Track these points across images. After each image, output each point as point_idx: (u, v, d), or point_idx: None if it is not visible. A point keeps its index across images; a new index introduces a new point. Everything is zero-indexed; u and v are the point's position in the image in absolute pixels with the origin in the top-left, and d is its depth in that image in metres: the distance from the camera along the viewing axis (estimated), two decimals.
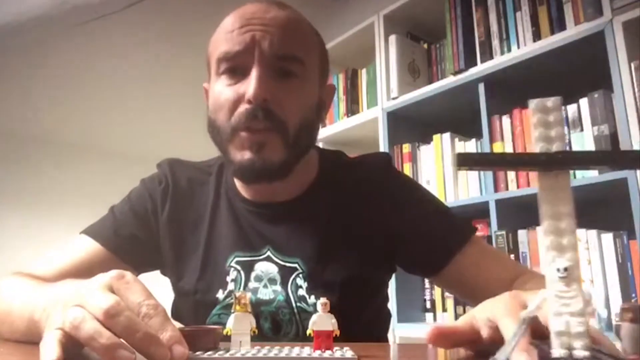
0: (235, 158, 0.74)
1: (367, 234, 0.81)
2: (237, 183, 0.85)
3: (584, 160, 0.30)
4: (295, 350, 0.47)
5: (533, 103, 0.31)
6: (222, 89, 0.75)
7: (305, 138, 0.78)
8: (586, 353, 0.28)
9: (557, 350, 0.28)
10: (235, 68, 0.74)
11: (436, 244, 0.81)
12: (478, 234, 0.83)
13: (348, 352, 0.47)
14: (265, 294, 0.76)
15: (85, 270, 0.76)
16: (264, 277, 0.77)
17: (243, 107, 0.72)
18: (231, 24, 0.75)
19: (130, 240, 0.83)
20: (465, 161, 0.31)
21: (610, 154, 0.29)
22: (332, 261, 0.78)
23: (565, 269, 0.29)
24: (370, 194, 0.83)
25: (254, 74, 0.72)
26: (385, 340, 0.92)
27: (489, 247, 0.89)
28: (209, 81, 0.82)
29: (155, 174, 0.90)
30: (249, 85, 0.71)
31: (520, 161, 0.31)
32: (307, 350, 0.47)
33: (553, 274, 0.29)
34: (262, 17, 0.75)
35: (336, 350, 0.47)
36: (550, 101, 0.31)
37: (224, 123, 0.75)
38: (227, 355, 0.45)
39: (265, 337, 0.74)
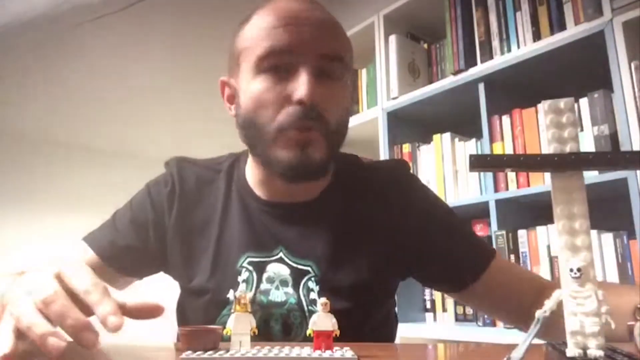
0: (279, 156, 0.73)
1: (382, 240, 0.80)
2: (252, 181, 0.84)
3: (597, 161, 0.30)
4: (296, 350, 0.47)
5: (546, 104, 0.32)
6: (264, 88, 0.73)
7: (341, 139, 0.78)
8: (600, 352, 0.28)
9: (571, 350, 0.28)
10: (280, 66, 0.73)
11: (463, 262, 0.80)
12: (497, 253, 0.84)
13: (348, 352, 0.47)
14: (277, 296, 0.75)
15: None
16: (275, 279, 0.76)
17: (292, 108, 0.71)
18: (274, 20, 0.74)
19: (125, 251, 0.82)
20: (478, 163, 0.31)
21: (624, 154, 0.29)
22: (345, 265, 0.77)
23: (579, 269, 0.29)
24: (388, 199, 0.82)
25: (304, 74, 0.71)
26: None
27: (509, 262, 0.90)
28: (233, 76, 0.80)
29: (161, 177, 0.88)
30: (300, 87, 0.71)
31: (533, 162, 0.31)
32: (307, 350, 0.47)
33: (567, 275, 0.30)
34: (307, 17, 0.74)
35: (336, 350, 0.48)
36: (563, 102, 0.31)
37: (267, 122, 0.73)
38: (227, 355, 0.45)
39: (275, 340, 0.73)
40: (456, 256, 0.81)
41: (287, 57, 0.72)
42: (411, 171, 0.91)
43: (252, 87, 0.74)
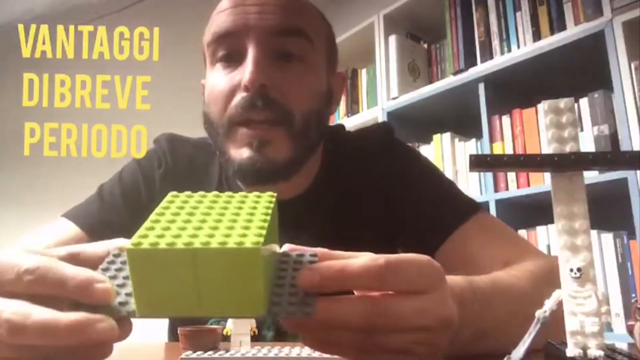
0: (233, 157, 0.65)
1: (373, 226, 0.72)
2: None
3: (597, 161, 0.30)
4: (295, 350, 0.47)
5: (546, 104, 0.32)
6: (216, 78, 0.66)
7: (314, 130, 0.68)
8: (600, 352, 0.28)
9: (571, 350, 0.28)
10: (230, 53, 0.66)
11: (429, 225, 0.71)
12: (482, 213, 0.73)
13: None
14: None
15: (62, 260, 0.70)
16: None
17: (239, 96, 0.63)
18: (224, 4, 0.67)
19: (117, 228, 0.70)
20: (479, 163, 0.31)
21: (624, 154, 0.29)
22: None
23: (579, 269, 0.29)
24: (375, 184, 0.75)
25: (250, 56, 0.63)
26: None
27: (491, 226, 0.73)
28: (206, 73, 0.73)
29: (152, 153, 0.79)
30: (245, 70, 0.62)
31: (533, 162, 0.31)
32: (307, 350, 0.47)
33: (567, 275, 0.30)
34: None
35: None
36: (563, 102, 0.32)
37: (218, 115, 0.66)
38: (227, 355, 0.45)
39: None
40: (425, 219, 0.71)
41: (233, 41, 0.65)
42: (393, 136, 0.81)
43: (208, 81, 0.69)
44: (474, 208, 0.73)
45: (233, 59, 0.66)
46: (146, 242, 0.30)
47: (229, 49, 0.66)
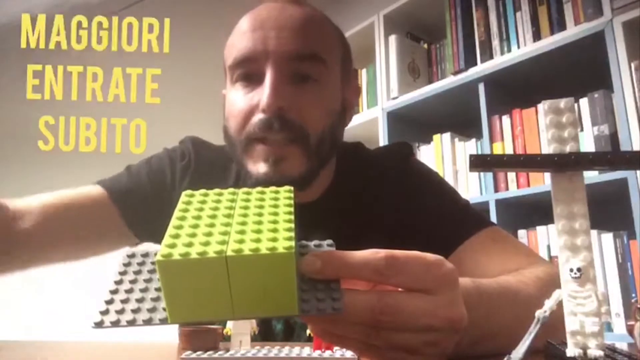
0: (251, 170, 0.69)
1: (384, 235, 0.73)
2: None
3: (597, 161, 0.30)
4: (295, 351, 0.47)
5: (546, 104, 0.32)
6: (236, 98, 0.70)
7: (328, 146, 0.72)
8: (600, 352, 0.28)
9: (571, 350, 0.28)
10: (249, 74, 0.70)
11: (440, 234, 0.73)
12: (495, 227, 0.75)
13: (348, 352, 0.47)
14: None
15: (74, 210, 0.73)
16: None
17: (257, 117, 0.67)
18: (244, 26, 0.71)
19: (142, 203, 0.78)
20: (479, 163, 0.31)
21: (624, 154, 0.29)
22: None
23: (579, 269, 0.29)
24: (387, 193, 0.78)
25: (267, 80, 0.66)
26: None
27: (503, 239, 0.75)
28: (225, 87, 0.77)
29: (178, 147, 0.85)
30: (263, 93, 0.66)
31: (533, 162, 0.31)
32: (307, 350, 0.47)
33: (567, 275, 0.30)
34: (276, 18, 0.69)
35: (336, 350, 0.48)
36: (563, 102, 0.32)
37: (237, 132, 0.70)
38: (227, 355, 0.46)
39: (277, 340, 0.71)
40: (433, 232, 0.73)
41: (254, 65, 0.68)
42: (413, 155, 0.85)
43: (228, 97, 0.73)
44: (487, 222, 0.76)
45: (252, 80, 0.69)
46: (176, 252, 0.30)
47: (248, 72, 0.69)
